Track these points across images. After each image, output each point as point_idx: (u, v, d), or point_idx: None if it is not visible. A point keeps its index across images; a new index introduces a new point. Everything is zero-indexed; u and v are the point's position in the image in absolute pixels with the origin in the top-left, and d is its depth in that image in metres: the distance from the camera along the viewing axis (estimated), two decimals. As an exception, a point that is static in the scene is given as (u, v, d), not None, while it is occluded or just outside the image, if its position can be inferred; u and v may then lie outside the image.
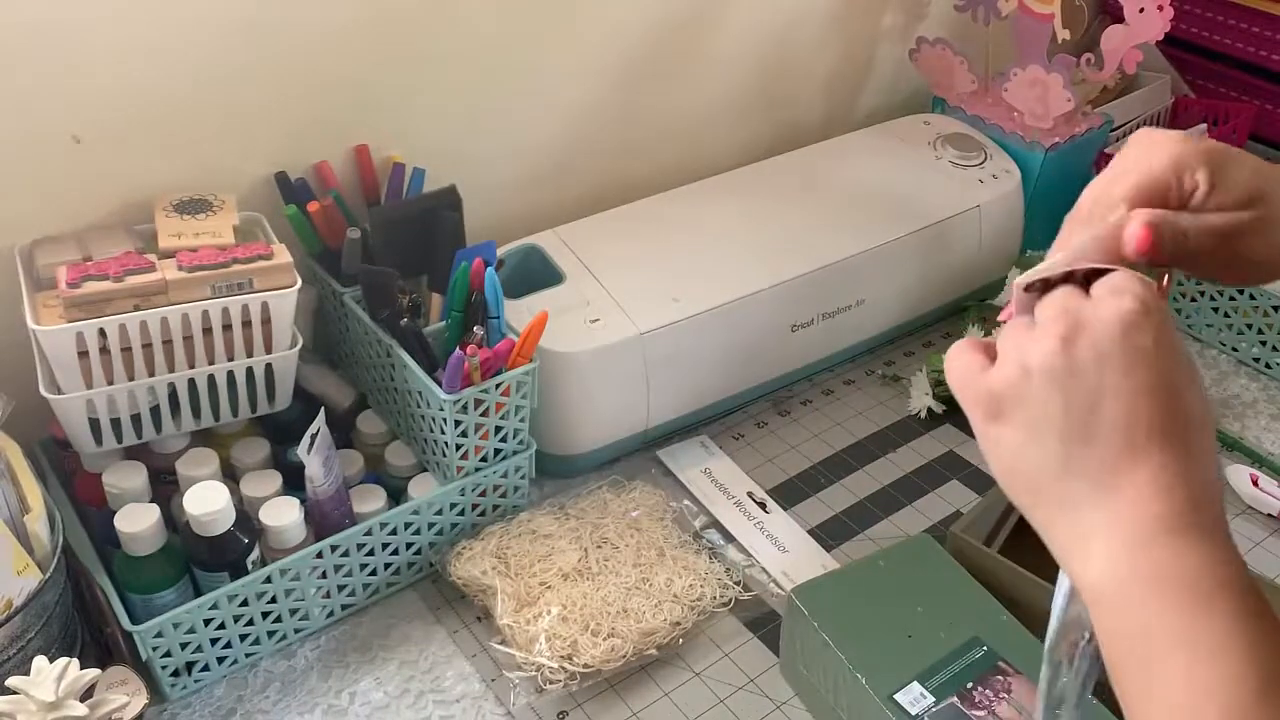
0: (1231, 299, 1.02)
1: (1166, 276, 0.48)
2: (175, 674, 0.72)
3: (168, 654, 0.71)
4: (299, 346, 0.79)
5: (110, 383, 0.73)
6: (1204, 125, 1.20)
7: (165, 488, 0.78)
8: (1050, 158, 1.07)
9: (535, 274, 0.92)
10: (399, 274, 0.82)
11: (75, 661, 0.60)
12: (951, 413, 0.97)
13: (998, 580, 0.72)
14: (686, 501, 0.88)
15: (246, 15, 0.81)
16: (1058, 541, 0.43)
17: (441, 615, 0.80)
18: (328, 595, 0.77)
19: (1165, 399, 0.41)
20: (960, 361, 0.45)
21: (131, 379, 0.73)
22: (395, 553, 0.79)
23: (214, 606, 0.71)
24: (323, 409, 0.78)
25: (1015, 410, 0.43)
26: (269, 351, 0.77)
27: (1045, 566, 0.48)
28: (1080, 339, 0.42)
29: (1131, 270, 0.44)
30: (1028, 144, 1.08)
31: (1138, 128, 1.21)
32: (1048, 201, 1.08)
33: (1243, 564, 0.41)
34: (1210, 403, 0.45)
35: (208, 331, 0.74)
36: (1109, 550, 0.41)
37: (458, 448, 0.79)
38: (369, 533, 0.77)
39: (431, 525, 0.80)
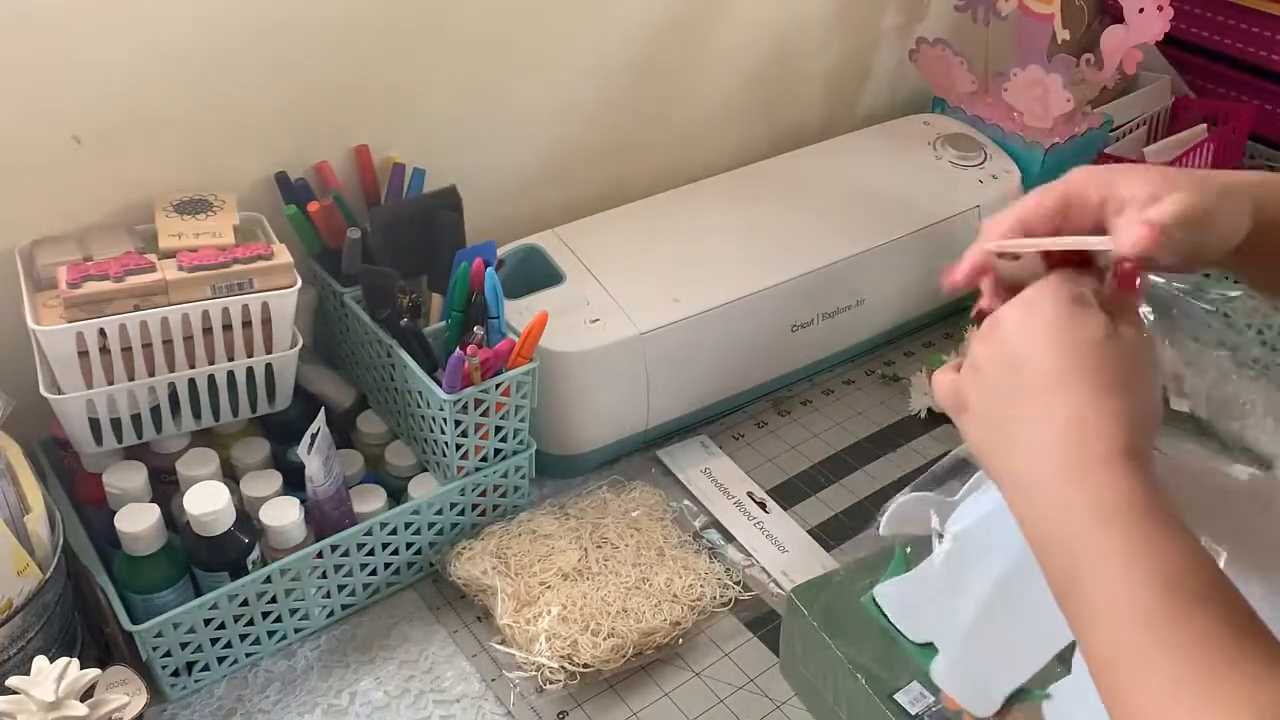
0: (1231, 299, 1.02)
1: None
2: (175, 674, 0.72)
3: (168, 654, 0.71)
4: (299, 346, 0.79)
5: (110, 383, 0.73)
6: (1204, 125, 1.20)
7: (165, 488, 0.78)
8: (1050, 158, 1.07)
9: (535, 274, 0.92)
10: (399, 274, 0.82)
11: (75, 661, 0.60)
12: (951, 413, 0.97)
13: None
14: (686, 501, 0.88)
15: (247, 15, 0.81)
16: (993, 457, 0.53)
17: (441, 615, 0.80)
18: (328, 595, 0.77)
19: (1072, 353, 0.50)
20: (939, 381, 0.56)
21: (131, 379, 0.73)
22: (395, 553, 0.79)
23: (214, 606, 0.71)
24: (323, 409, 0.78)
25: (971, 396, 0.54)
26: (269, 351, 0.77)
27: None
28: (998, 345, 0.53)
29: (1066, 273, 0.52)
30: (1028, 144, 1.08)
31: (1137, 128, 1.22)
32: (1048, 201, 1.07)
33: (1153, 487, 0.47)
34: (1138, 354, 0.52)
35: (208, 331, 0.74)
36: (1033, 463, 0.50)
37: (458, 448, 0.79)
38: (369, 533, 0.77)
39: (431, 525, 0.80)
